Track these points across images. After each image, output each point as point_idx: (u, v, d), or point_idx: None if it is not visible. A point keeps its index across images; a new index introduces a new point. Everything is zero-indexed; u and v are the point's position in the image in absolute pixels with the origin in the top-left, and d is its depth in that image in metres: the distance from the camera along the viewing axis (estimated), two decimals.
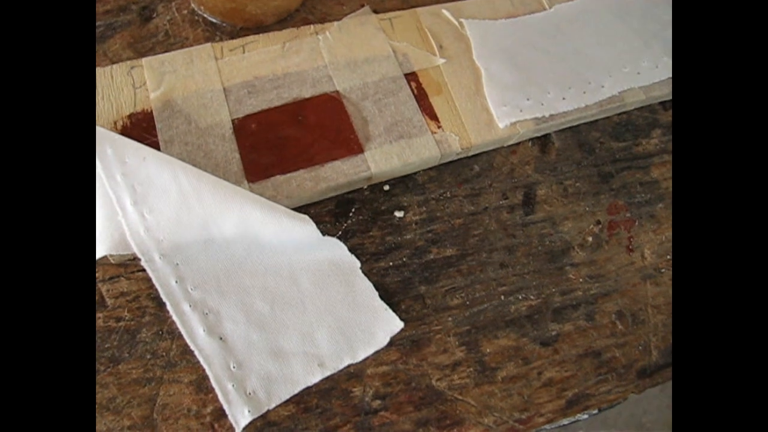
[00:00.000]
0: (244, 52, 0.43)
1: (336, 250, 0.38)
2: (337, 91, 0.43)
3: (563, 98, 0.45)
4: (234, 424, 0.32)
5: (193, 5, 0.46)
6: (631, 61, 0.48)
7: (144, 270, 0.35)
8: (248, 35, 0.44)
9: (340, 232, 0.40)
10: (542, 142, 0.46)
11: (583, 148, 0.47)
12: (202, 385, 0.34)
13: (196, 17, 0.46)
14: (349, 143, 0.41)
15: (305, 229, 0.37)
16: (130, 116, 0.40)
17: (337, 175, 0.40)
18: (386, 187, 0.42)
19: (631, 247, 0.44)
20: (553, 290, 0.41)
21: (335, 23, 0.46)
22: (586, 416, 0.38)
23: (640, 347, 0.40)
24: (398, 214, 0.41)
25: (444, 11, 0.48)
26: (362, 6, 0.48)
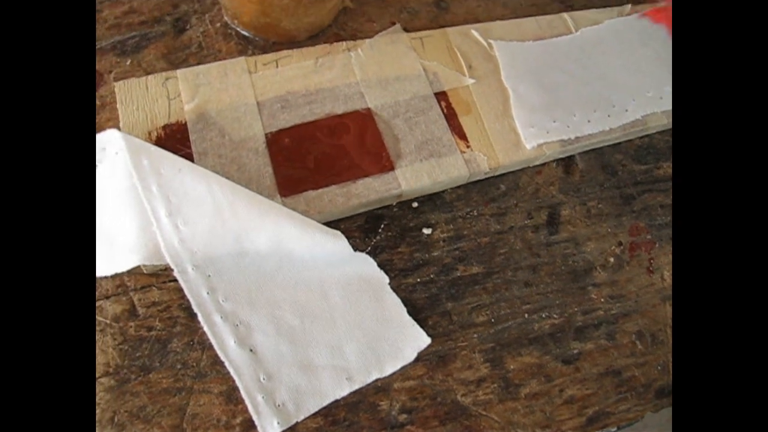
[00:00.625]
0: (277, 67, 0.44)
1: (366, 265, 0.38)
2: (369, 108, 0.43)
3: (588, 121, 0.46)
4: None
5: (226, 19, 0.46)
6: (655, 85, 0.49)
7: (175, 280, 0.36)
8: (281, 50, 0.45)
9: (369, 248, 0.41)
10: (566, 163, 0.47)
11: (606, 170, 0.48)
12: (231, 395, 0.35)
13: (229, 30, 0.46)
14: (380, 160, 0.41)
15: (337, 244, 0.37)
16: (164, 127, 0.40)
17: (368, 191, 0.40)
18: (415, 204, 0.43)
19: (651, 268, 0.44)
20: (576, 309, 0.42)
21: (367, 41, 0.46)
22: None
23: (659, 367, 0.41)
24: (426, 231, 0.42)
25: (473, 32, 0.49)
26: (393, 24, 0.49)
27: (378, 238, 0.41)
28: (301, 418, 0.34)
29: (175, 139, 0.40)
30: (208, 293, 0.36)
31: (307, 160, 0.41)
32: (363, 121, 0.43)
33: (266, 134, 0.41)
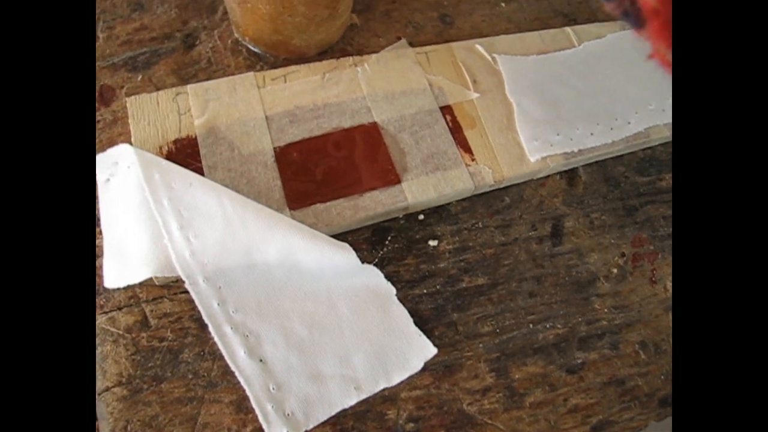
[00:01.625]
0: (285, 82, 0.44)
1: (373, 277, 0.39)
2: (375, 123, 0.44)
3: (591, 134, 0.47)
4: None
5: (237, 35, 0.47)
6: (656, 98, 0.50)
7: (186, 292, 0.36)
8: (289, 65, 0.46)
9: (376, 260, 0.41)
10: (570, 175, 0.48)
11: (609, 182, 0.48)
12: (242, 405, 0.36)
13: (239, 47, 0.47)
14: (387, 174, 0.42)
15: (345, 257, 0.38)
16: (175, 142, 0.41)
17: (375, 204, 0.41)
18: (421, 217, 0.43)
19: (654, 279, 0.45)
20: (580, 320, 0.42)
21: (373, 56, 0.47)
22: None
23: (662, 376, 0.42)
24: (432, 243, 0.43)
25: (478, 46, 0.49)
26: (398, 39, 0.49)
27: (385, 250, 0.42)
28: (310, 426, 0.34)
29: (185, 153, 0.41)
30: (218, 304, 0.36)
31: (315, 173, 0.41)
32: (370, 135, 0.43)
33: (275, 148, 0.42)
